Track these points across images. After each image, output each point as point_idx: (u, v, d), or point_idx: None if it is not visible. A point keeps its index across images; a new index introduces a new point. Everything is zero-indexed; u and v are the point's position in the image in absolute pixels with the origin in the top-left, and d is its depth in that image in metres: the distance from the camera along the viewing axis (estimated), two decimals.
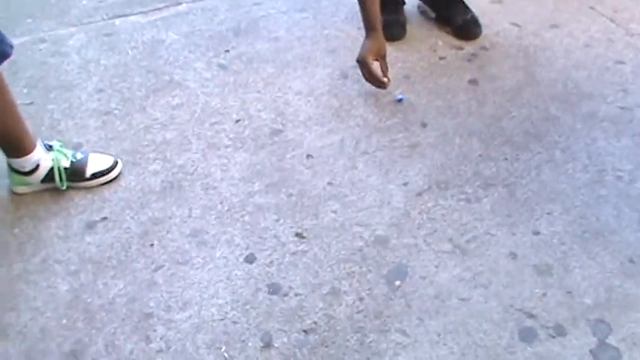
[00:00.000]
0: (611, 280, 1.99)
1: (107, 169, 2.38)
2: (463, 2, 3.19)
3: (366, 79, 2.72)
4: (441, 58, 2.98)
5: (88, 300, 1.98)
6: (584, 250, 2.08)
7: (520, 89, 2.77)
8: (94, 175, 2.36)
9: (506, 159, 2.43)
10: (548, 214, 2.21)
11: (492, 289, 1.97)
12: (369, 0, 2.62)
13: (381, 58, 2.70)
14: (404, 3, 3.24)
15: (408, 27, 3.18)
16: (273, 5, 3.43)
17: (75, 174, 2.33)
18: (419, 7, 3.34)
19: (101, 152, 2.45)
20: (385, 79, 2.70)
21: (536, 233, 2.14)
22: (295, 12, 3.36)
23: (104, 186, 2.37)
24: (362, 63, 2.68)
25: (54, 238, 2.18)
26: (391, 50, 2.95)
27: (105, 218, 2.25)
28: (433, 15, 3.26)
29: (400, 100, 2.73)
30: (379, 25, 2.66)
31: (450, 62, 2.96)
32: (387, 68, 2.72)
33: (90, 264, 2.09)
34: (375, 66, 2.69)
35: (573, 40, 3.09)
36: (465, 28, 3.14)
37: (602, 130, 2.55)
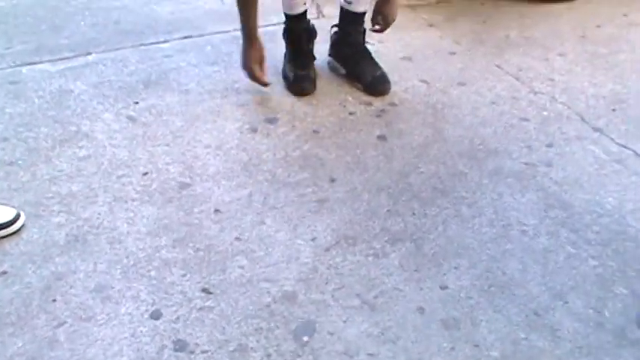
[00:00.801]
0: (517, 332, 2.01)
1: (9, 222, 2.30)
2: (373, 59, 3.24)
3: (251, 80, 3.08)
4: (350, 114, 3.01)
5: None
6: (491, 303, 2.10)
7: (428, 145, 2.81)
8: None
9: (413, 214, 2.45)
10: (456, 268, 2.23)
11: (400, 344, 1.97)
12: (248, 11, 2.85)
13: (262, 62, 3.03)
14: (314, 58, 3.27)
15: (318, 82, 3.21)
16: (184, 58, 3.42)
17: None
18: (329, 63, 3.37)
19: (3, 204, 2.37)
20: (267, 79, 3.08)
21: (444, 288, 2.16)
22: (206, 65, 3.36)
23: (5, 239, 2.28)
24: (248, 70, 3.02)
25: None
26: (300, 105, 3.00)
27: (4, 272, 2.17)
28: (343, 71, 3.30)
29: None
30: (257, 33, 2.92)
31: (360, 118, 2.99)
32: (266, 67, 3.07)
33: None
34: (259, 69, 3.03)
35: (480, 98, 3.16)
36: (375, 84, 3.19)
37: (507, 185, 2.60)
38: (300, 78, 3.06)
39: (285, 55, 3.28)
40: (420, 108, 3.07)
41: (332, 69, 3.35)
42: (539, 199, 2.53)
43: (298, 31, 3.17)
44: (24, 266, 2.20)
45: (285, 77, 3.24)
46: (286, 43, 3.27)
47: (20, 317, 2.02)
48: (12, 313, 2.03)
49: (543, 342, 1.98)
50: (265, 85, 3.06)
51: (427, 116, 3.01)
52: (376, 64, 3.24)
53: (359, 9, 3.18)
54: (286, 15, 3.17)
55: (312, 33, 3.22)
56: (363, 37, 3.27)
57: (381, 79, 3.20)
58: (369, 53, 3.27)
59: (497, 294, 2.14)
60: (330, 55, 3.37)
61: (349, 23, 3.25)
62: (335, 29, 3.30)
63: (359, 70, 3.23)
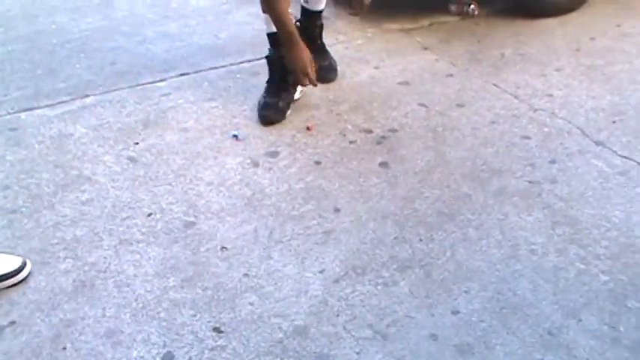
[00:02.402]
0: (533, 354, 1.99)
1: (15, 271, 2.29)
2: (326, 52, 3.53)
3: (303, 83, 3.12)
4: (351, 142, 3.00)
5: None
6: (504, 325, 2.09)
7: (431, 169, 2.80)
8: (1, 278, 2.26)
9: (421, 240, 2.44)
10: (466, 292, 2.22)
11: None
12: (280, 12, 2.93)
13: (312, 62, 3.09)
14: (290, 90, 3.30)
15: (316, 113, 3.22)
16: (182, 95, 3.43)
17: None
18: None
19: (8, 253, 2.36)
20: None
21: (456, 313, 2.14)
22: (204, 101, 3.36)
23: (12, 288, 2.27)
24: (306, 75, 3.06)
25: None
26: (301, 137, 3.01)
27: (13, 322, 2.16)
28: None
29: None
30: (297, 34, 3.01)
31: (360, 146, 2.98)
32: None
33: None
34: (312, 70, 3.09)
35: (480, 118, 3.16)
36: (321, 73, 3.35)
37: (512, 205, 2.59)
38: (264, 105, 3.17)
39: None
40: (420, 132, 3.06)
41: None
42: (546, 217, 2.52)
43: (278, 51, 3.18)
44: (32, 315, 2.19)
45: (258, 103, 3.28)
46: (268, 67, 3.31)
47: None
48: None
49: None
50: (315, 85, 3.15)
51: (428, 140, 3.00)
52: (327, 55, 3.49)
53: (315, 7, 3.37)
54: (269, 35, 3.22)
55: None
56: (320, 33, 3.47)
57: (328, 68, 3.44)
58: (324, 47, 3.50)
59: (510, 315, 2.12)
60: None
61: (306, 19, 3.41)
62: (297, 24, 3.34)
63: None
